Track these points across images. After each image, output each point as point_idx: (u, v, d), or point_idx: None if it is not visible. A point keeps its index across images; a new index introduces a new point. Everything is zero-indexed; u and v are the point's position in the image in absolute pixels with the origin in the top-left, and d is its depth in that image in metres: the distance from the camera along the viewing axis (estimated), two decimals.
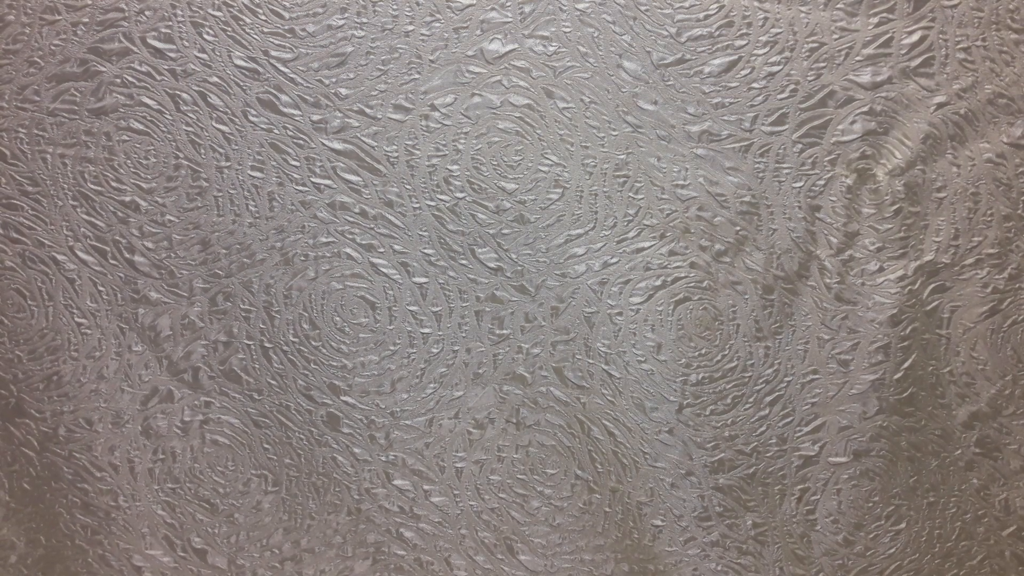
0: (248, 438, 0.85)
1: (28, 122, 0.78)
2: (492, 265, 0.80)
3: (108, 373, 0.83)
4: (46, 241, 0.81)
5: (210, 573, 0.87)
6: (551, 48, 0.76)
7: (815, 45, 0.74)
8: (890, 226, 0.77)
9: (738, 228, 0.78)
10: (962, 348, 0.80)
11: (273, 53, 0.76)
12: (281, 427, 0.84)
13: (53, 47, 0.77)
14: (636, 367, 0.81)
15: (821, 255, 0.78)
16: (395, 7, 0.75)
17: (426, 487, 0.85)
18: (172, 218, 0.80)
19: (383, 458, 0.85)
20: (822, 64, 0.74)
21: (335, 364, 0.83)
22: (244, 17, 0.76)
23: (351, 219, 0.79)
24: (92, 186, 0.80)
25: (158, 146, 0.79)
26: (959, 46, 0.74)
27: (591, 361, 0.82)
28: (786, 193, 0.77)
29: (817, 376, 0.80)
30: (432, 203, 0.79)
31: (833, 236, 0.78)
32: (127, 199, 0.80)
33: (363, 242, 0.80)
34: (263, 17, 0.76)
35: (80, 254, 0.81)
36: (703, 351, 0.80)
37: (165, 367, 0.83)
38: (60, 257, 0.81)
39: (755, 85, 0.75)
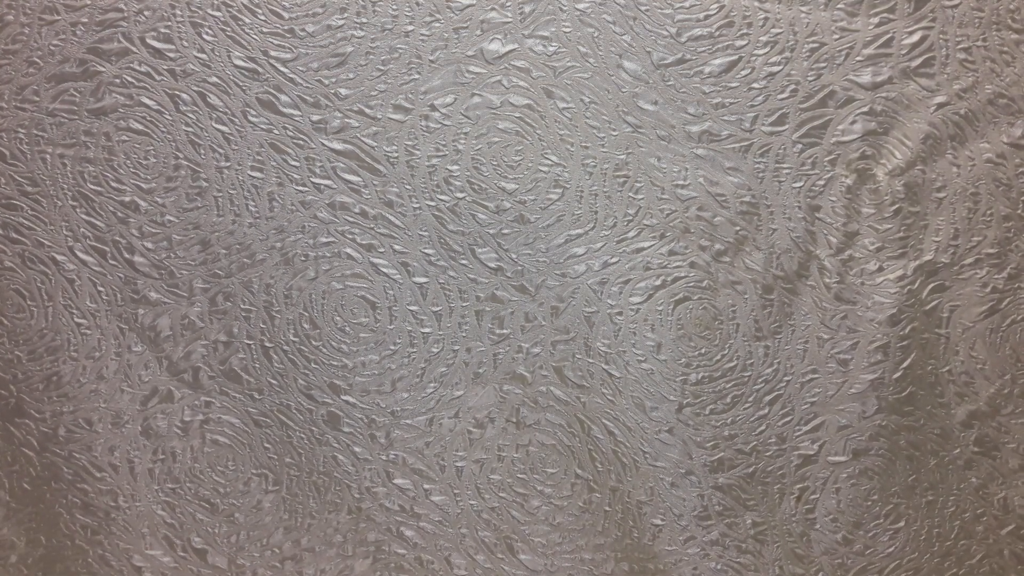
0: (248, 438, 0.85)
1: (27, 122, 0.78)
2: (492, 265, 0.80)
3: (108, 373, 0.83)
4: (46, 241, 0.81)
5: (210, 573, 0.87)
6: (551, 48, 0.76)
7: (815, 45, 0.74)
8: (890, 226, 0.77)
9: (738, 228, 0.78)
10: (961, 347, 0.80)
11: (273, 53, 0.76)
12: (281, 426, 0.84)
13: (52, 47, 0.77)
14: (636, 367, 0.81)
15: (821, 255, 0.78)
16: (395, 7, 0.75)
17: (426, 486, 0.85)
18: (172, 218, 0.80)
19: (383, 457, 0.85)
20: (822, 64, 0.74)
21: (335, 363, 0.83)
22: (243, 17, 0.76)
23: (351, 219, 0.79)
24: (92, 186, 0.79)
25: (158, 146, 0.78)
26: (959, 46, 0.74)
27: (591, 361, 0.82)
28: (786, 193, 0.77)
29: (816, 375, 0.81)
30: (432, 203, 0.79)
31: (833, 236, 0.78)
32: (127, 199, 0.80)
33: (363, 242, 0.80)
34: (262, 17, 0.76)
35: (80, 254, 0.81)
36: (703, 351, 0.80)
37: (165, 367, 0.83)
38: (60, 257, 0.81)
39: (755, 85, 0.75)
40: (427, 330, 0.82)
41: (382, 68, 0.76)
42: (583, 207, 0.78)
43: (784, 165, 0.76)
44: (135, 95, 0.77)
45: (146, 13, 0.76)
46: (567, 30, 0.75)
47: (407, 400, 0.83)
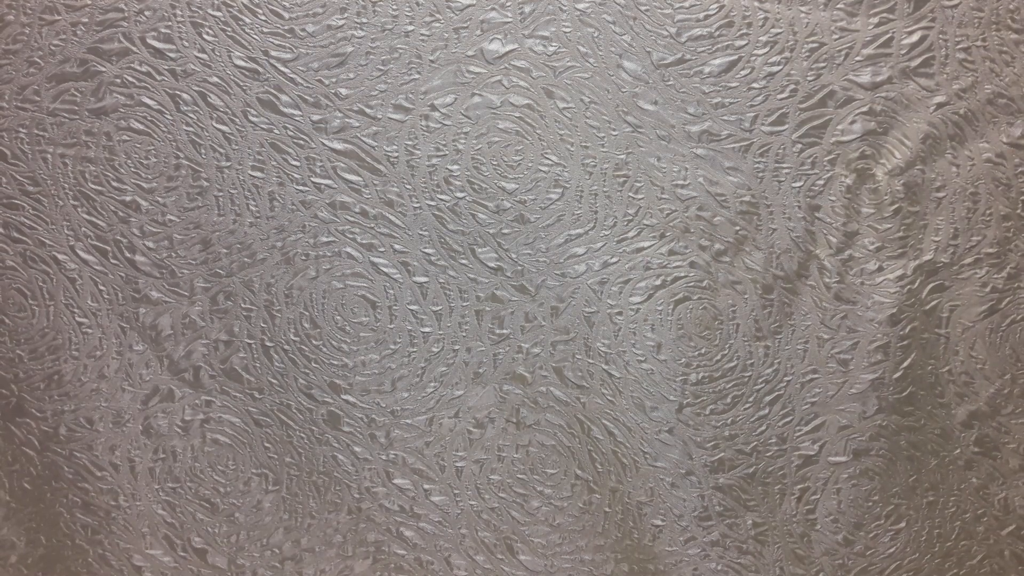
0: (249, 437, 0.85)
1: (28, 122, 0.79)
2: (492, 265, 0.80)
3: (109, 372, 0.83)
4: (47, 241, 0.81)
5: (210, 573, 0.87)
6: (551, 48, 0.76)
7: (815, 45, 0.74)
8: (889, 226, 0.77)
9: (738, 228, 0.78)
10: (961, 347, 0.80)
11: (273, 53, 0.77)
12: (282, 426, 0.85)
13: (53, 47, 0.77)
14: (636, 367, 0.81)
15: (821, 255, 0.78)
16: (395, 7, 0.76)
17: (426, 486, 0.85)
18: (173, 218, 0.80)
19: (383, 457, 0.85)
20: (822, 64, 0.74)
21: (336, 363, 0.83)
22: (244, 17, 0.76)
23: (351, 219, 0.80)
24: (93, 186, 0.80)
25: (158, 146, 0.79)
26: (959, 46, 0.74)
27: (591, 361, 0.82)
28: (786, 193, 0.77)
29: (817, 376, 0.81)
30: (432, 203, 0.79)
31: (833, 236, 0.78)
32: (128, 199, 0.80)
33: (364, 241, 0.80)
34: (263, 17, 0.76)
35: (81, 253, 0.81)
36: (703, 351, 0.80)
37: (166, 366, 0.84)
38: (61, 257, 0.81)
39: (755, 85, 0.75)
40: (427, 330, 0.82)
41: (382, 68, 0.76)
42: (583, 207, 0.78)
43: (784, 165, 0.76)
44: (136, 95, 0.78)
45: (147, 13, 0.76)
46: (567, 30, 0.75)
47: (407, 400, 0.83)
